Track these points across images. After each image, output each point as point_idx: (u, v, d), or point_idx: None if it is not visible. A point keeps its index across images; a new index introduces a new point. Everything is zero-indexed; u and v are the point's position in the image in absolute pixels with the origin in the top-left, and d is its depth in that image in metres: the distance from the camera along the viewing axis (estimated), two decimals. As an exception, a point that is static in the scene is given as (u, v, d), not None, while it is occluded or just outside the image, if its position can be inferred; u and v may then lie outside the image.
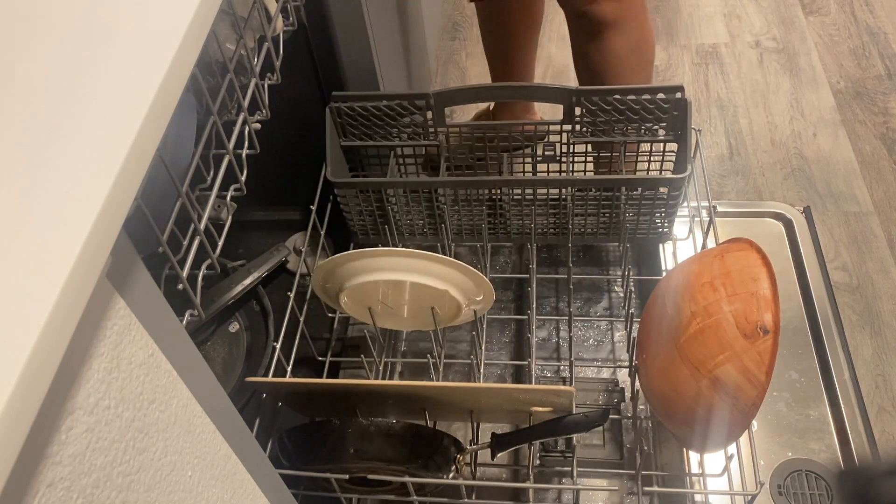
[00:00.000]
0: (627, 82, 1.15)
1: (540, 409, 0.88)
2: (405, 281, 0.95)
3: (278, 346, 0.97)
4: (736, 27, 1.92)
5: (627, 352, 1.11)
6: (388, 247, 1.16)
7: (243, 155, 0.64)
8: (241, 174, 0.63)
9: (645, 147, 1.13)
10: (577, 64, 1.21)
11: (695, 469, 1.01)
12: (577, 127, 1.07)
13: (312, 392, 0.89)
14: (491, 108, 1.58)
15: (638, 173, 1.17)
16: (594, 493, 1.07)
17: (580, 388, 1.11)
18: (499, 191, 1.14)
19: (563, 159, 1.14)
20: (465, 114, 1.69)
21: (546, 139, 1.12)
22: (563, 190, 1.15)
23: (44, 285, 0.34)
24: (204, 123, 0.58)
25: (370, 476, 0.83)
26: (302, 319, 1.03)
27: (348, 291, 0.97)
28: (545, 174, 1.18)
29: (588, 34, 1.14)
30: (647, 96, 1.02)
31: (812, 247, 1.29)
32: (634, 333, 1.00)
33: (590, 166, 1.19)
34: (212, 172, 0.60)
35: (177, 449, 0.52)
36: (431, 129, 1.10)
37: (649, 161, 1.15)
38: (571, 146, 1.12)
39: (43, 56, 0.45)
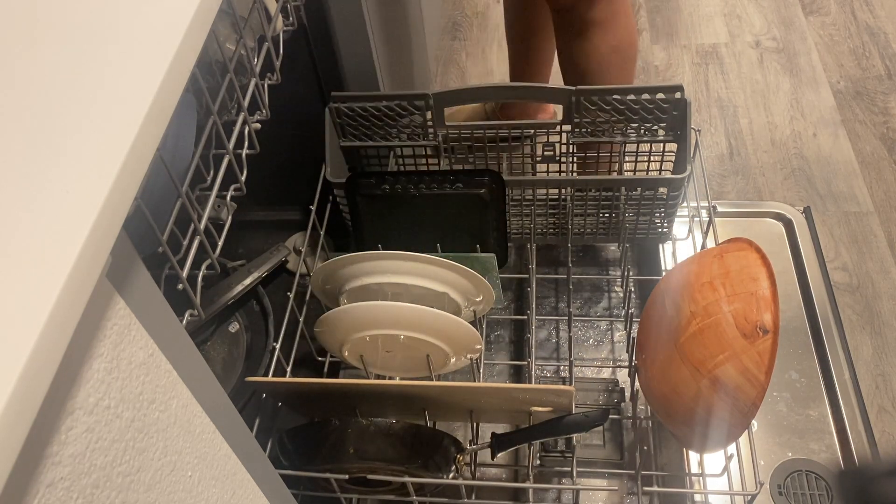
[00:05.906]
0: (611, 81, 1.16)
1: (540, 408, 0.88)
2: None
3: (278, 346, 0.97)
4: (736, 27, 1.92)
5: (627, 352, 1.11)
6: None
7: (243, 155, 0.64)
8: (241, 174, 0.63)
9: (644, 147, 1.13)
10: (562, 61, 1.22)
11: (695, 469, 1.01)
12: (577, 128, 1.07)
13: (312, 392, 0.89)
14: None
15: (637, 173, 1.17)
16: (594, 493, 1.07)
17: (580, 388, 1.11)
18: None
19: (563, 159, 1.14)
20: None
21: (546, 139, 1.12)
22: (563, 190, 1.15)
23: (44, 285, 0.34)
24: (204, 123, 0.58)
25: (370, 476, 0.83)
26: (302, 319, 1.03)
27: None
28: (545, 174, 1.18)
29: (573, 32, 1.15)
30: (646, 96, 1.02)
31: (812, 247, 1.29)
32: (634, 333, 1.00)
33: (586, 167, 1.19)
34: (212, 172, 0.60)
35: (177, 449, 0.52)
36: (431, 130, 1.10)
37: (649, 161, 1.15)
38: (571, 146, 1.12)
39: (43, 56, 0.45)
